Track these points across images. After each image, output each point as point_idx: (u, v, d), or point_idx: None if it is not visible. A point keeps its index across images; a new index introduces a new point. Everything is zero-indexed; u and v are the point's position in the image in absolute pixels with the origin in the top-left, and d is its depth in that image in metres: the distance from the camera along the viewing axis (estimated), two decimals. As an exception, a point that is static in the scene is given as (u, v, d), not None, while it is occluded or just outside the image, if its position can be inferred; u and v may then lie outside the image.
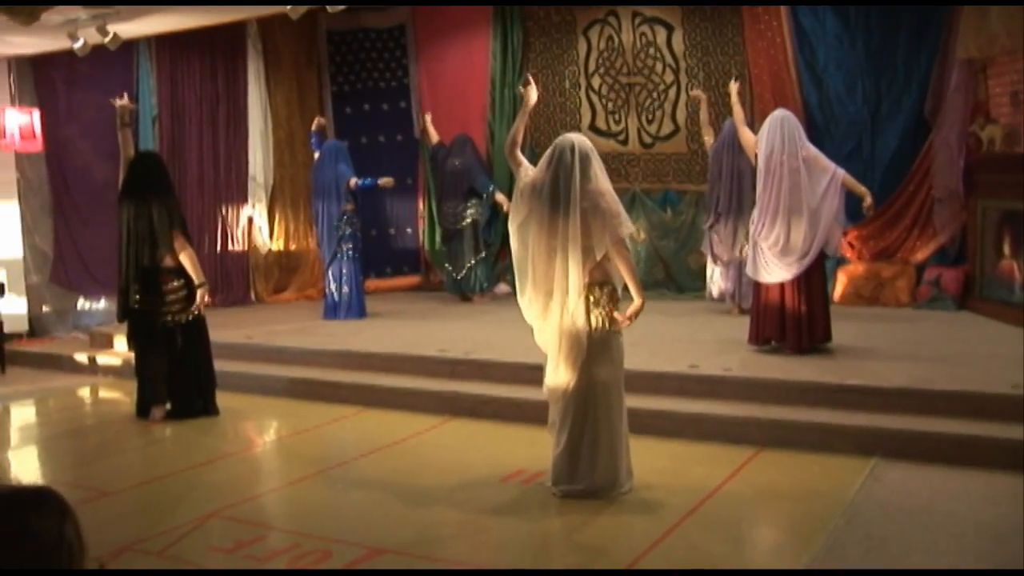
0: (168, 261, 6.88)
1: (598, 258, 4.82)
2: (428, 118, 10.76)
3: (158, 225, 6.80)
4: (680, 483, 5.19)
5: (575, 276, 4.79)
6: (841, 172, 6.79)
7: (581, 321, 4.82)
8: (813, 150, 6.81)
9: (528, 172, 5.00)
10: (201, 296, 6.97)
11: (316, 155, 9.81)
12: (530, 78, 5.37)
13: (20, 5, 6.46)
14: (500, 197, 10.18)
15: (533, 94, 5.24)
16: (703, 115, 9.07)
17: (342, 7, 7.49)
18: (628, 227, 4.89)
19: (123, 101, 7.29)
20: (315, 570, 4.20)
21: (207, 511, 4.98)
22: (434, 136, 10.72)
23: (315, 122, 10.02)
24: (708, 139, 9.04)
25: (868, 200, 6.93)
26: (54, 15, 7.00)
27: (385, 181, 9.59)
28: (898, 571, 3.98)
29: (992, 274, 8.48)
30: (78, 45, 8.40)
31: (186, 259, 6.88)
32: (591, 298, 4.86)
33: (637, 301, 4.88)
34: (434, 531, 4.69)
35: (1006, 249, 8.27)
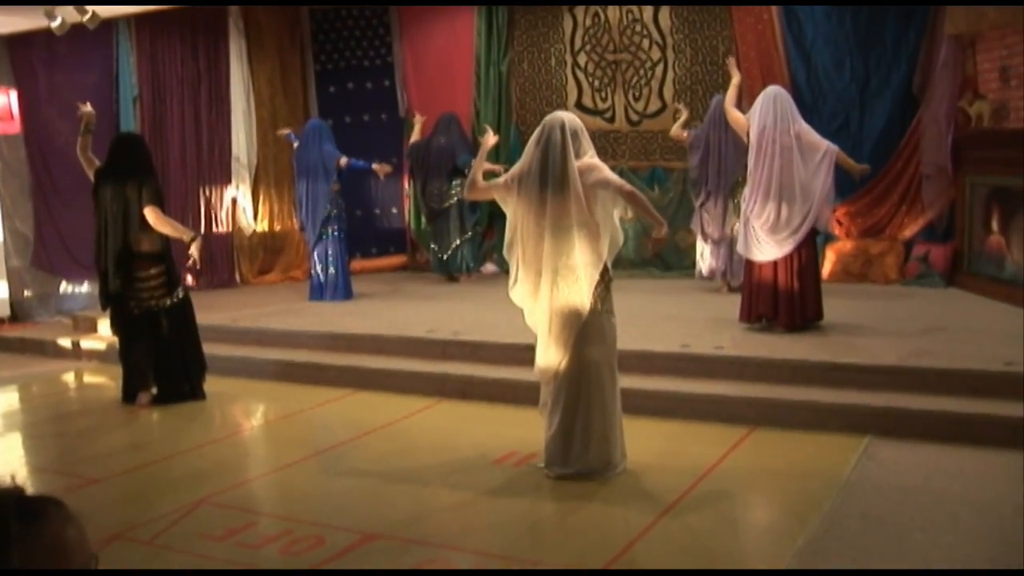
0: (145, 245, 6.75)
1: (589, 233, 4.77)
2: (420, 120, 10.61)
3: (132, 207, 6.67)
4: (674, 463, 5.16)
5: (579, 254, 4.73)
6: (834, 148, 6.74)
7: (577, 300, 4.76)
8: (805, 126, 6.76)
9: (499, 181, 4.97)
10: (198, 248, 6.75)
11: (295, 145, 9.69)
12: (488, 128, 5.37)
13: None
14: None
15: (491, 139, 5.39)
16: (676, 125, 8.98)
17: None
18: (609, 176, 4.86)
19: (87, 108, 7.06)
20: (310, 570, 4.14)
21: (196, 497, 4.91)
22: (415, 136, 10.60)
23: (283, 134, 10.00)
24: (683, 134, 8.94)
25: (863, 166, 6.91)
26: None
27: (383, 169, 9.48)
28: (883, 571, 3.95)
29: (980, 250, 8.47)
30: (56, 24, 8.26)
31: (165, 227, 6.68)
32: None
33: (664, 228, 5.01)
34: (427, 515, 4.64)
35: (994, 225, 8.25)
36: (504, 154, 10.75)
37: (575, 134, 4.82)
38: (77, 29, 8.57)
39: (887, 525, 4.22)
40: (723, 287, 8.88)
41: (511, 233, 4.93)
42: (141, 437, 6.43)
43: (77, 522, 1.30)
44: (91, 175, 6.89)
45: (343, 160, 9.30)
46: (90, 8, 7.99)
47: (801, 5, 9.22)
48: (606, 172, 4.80)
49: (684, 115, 9.06)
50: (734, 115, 7.16)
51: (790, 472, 5.00)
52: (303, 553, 4.17)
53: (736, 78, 7.55)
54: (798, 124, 6.72)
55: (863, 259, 9.22)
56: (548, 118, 4.91)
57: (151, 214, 6.64)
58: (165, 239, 6.88)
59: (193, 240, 6.77)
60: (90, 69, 10.33)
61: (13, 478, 1.28)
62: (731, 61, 7.71)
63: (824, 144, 6.72)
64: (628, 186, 4.91)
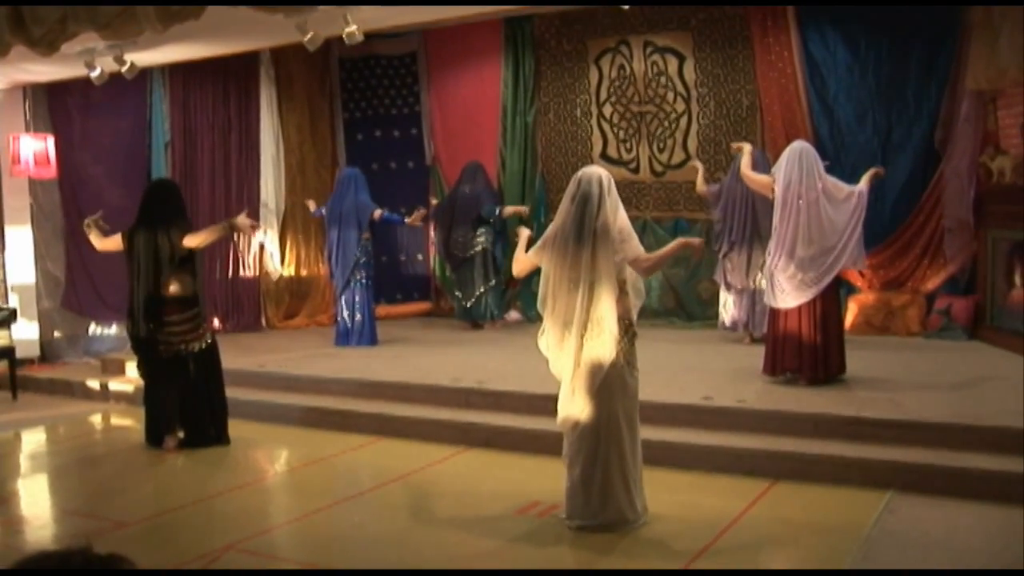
0: (174, 289, 6.87)
1: (617, 287, 4.85)
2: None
3: (164, 253, 6.79)
4: (695, 516, 5.18)
5: (608, 307, 4.79)
6: (861, 188, 6.83)
7: (603, 353, 4.81)
8: (830, 180, 6.84)
9: (538, 246, 5.05)
10: (246, 223, 7.06)
11: (324, 212, 9.92)
12: (522, 230, 5.41)
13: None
14: (510, 208, 10.37)
15: (524, 232, 5.39)
16: (699, 179, 9.14)
17: (360, 39, 7.51)
18: (636, 252, 4.92)
19: (95, 217, 7.26)
20: (315, 570, 4.21)
21: (223, 543, 4.98)
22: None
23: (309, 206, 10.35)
24: (704, 189, 9.11)
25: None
26: (74, 45, 7.05)
27: (418, 218, 9.69)
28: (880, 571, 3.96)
29: (1003, 304, 8.48)
30: (95, 74, 8.47)
31: (207, 238, 6.89)
32: (608, 332, 4.87)
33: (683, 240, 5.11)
34: (451, 564, 4.66)
35: (1017, 280, 8.27)
36: (529, 202, 10.89)
37: (611, 189, 4.92)
38: (113, 76, 8.77)
39: (909, 583, 4.23)
40: (746, 338, 8.92)
41: (544, 288, 4.99)
42: (168, 481, 6.51)
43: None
44: (120, 239, 7.01)
45: (377, 213, 9.48)
46: (128, 59, 8.18)
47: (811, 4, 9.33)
48: (637, 251, 4.89)
49: (700, 168, 9.19)
50: (756, 179, 7.24)
51: (811, 526, 5.01)
52: (329, 601, 4.22)
53: (747, 147, 7.70)
54: (824, 179, 6.79)
55: (885, 311, 9.24)
56: (583, 173, 4.97)
57: (190, 241, 6.80)
58: (196, 283, 7.01)
59: (233, 226, 7.05)
60: (124, 115, 10.57)
61: (86, 539, 1.37)
62: (735, 146, 7.92)
63: (853, 191, 6.81)
64: (647, 264, 4.97)
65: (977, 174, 8.67)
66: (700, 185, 9.12)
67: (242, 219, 7.07)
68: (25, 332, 9.98)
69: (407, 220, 9.65)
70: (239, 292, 11.28)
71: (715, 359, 8.21)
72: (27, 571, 1.35)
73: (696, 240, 5.20)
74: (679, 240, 5.15)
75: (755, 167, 7.80)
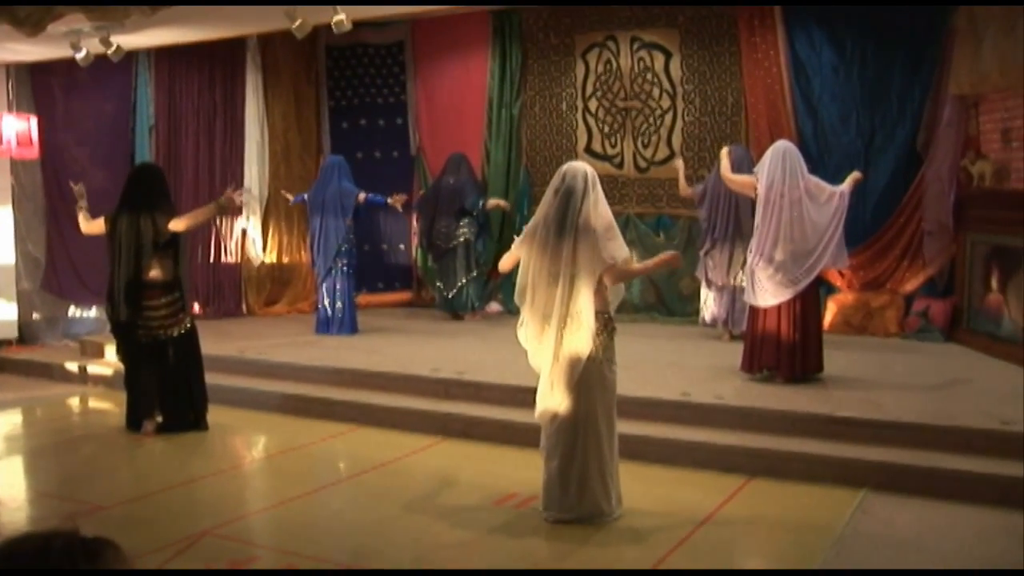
0: (156, 274, 6.86)
1: (596, 282, 4.87)
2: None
3: (147, 238, 6.78)
4: (670, 511, 5.22)
5: (586, 301, 4.82)
6: (843, 189, 6.88)
7: (581, 347, 4.84)
8: (813, 179, 6.89)
9: (519, 240, 5.07)
10: (233, 197, 7.14)
11: (306, 197, 9.90)
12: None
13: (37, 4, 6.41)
14: (493, 202, 10.41)
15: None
16: (681, 180, 9.15)
17: (348, 27, 7.50)
18: (622, 253, 4.94)
19: (79, 187, 7.27)
20: (310, 570, 4.22)
21: (200, 529, 4.99)
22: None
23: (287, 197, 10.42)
24: (690, 191, 9.11)
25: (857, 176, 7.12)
26: (59, 26, 7.01)
27: (399, 200, 9.67)
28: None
29: (980, 307, 8.57)
30: (81, 55, 8.43)
31: (194, 220, 6.91)
32: (587, 326, 4.90)
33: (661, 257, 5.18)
34: (428, 554, 4.70)
35: (993, 283, 8.35)
36: (513, 194, 10.91)
37: (595, 184, 4.94)
38: (97, 58, 8.73)
39: (879, 581, 4.28)
40: (725, 335, 8.96)
41: (523, 279, 5.02)
42: (146, 465, 6.51)
43: (130, 563, 1.40)
44: (104, 223, 6.99)
45: (362, 196, 9.49)
46: (115, 41, 8.14)
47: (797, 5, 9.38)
48: (621, 253, 4.91)
49: (681, 168, 9.19)
50: (737, 179, 7.30)
51: (785, 523, 5.07)
52: (305, 588, 4.25)
53: (724, 150, 7.72)
54: (807, 179, 6.84)
55: (864, 312, 9.31)
56: (568, 167, 5.01)
57: (176, 225, 6.80)
58: (178, 268, 7.00)
59: (221, 206, 7.12)
60: (108, 98, 10.51)
61: (72, 519, 1.38)
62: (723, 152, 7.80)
63: (835, 191, 6.86)
64: (621, 274, 5.01)
65: (958, 178, 8.74)
66: (683, 186, 9.12)
67: (227, 196, 7.05)
68: (4, 313, 9.94)
69: (389, 201, 9.64)
70: (220, 278, 11.25)
71: (694, 355, 8.25)
72: (8, 553, 1.36)
73: (671, 255, 5.19)
74: (657, 259, 5.20)
75: (740, 164, 7.85)
